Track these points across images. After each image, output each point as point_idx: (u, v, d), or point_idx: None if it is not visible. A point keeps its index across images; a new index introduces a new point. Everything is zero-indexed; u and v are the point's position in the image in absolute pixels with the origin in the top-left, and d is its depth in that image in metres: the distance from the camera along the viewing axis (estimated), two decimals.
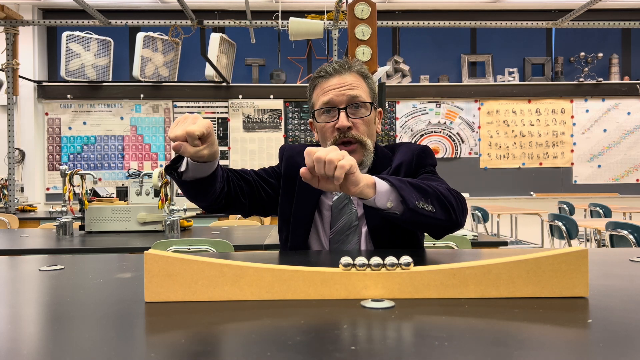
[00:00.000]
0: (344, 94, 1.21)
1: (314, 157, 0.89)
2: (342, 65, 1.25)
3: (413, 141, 5.95)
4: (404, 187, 1.00)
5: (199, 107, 5.89)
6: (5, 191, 4.61)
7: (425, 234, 1.38)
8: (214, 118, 5.90)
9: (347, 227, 1.23)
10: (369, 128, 1.24)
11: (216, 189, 1.14)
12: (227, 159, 5.91)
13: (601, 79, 5.93)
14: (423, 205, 1.01)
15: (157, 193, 2.48)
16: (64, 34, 5.53)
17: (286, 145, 1.37)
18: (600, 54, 6.00)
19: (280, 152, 1.37)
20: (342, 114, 1.20)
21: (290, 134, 5.93)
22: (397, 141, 5.91)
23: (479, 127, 5.97)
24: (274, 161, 5.83)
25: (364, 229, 1.23)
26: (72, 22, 4.69)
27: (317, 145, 1.35)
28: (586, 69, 5.98)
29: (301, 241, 1.24)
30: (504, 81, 5.96)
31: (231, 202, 1.20)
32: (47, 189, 5.89)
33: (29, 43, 5.69)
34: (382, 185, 1.00)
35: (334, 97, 1.21)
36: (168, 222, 2.29)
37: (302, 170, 0.92)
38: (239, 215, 3.07)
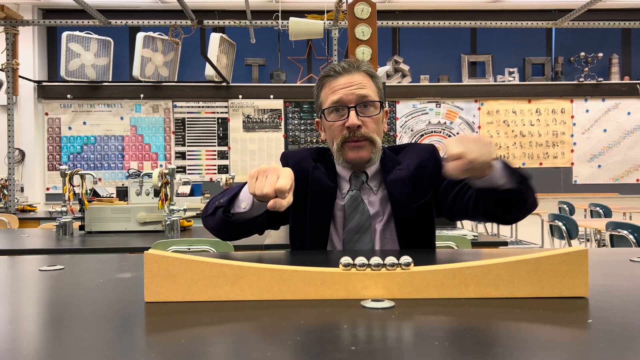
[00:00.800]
0: (353, 93, 1.22)
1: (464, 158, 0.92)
2: (351, 64, 1.27)
3: (413, 141, 5.94)
4: (511, 165, 1.05)
5: (199, 107, 5.89)
6: (5, 191, 4.60)
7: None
8: (214, 118, 5.90)
9: (359, 226, 1.24)
10: (378, 126, 1.26)
11: (260, 221, 1.15)
12: (227, 159, 5.91)
13: (601, 79, 5.93)
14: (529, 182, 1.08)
15: (157, 193, 2.47)
16: (64, 34, 5.53)
17: (288, 153, 1.36)
18: (600, 54, 6.00)
19: (283, 160, 1.33)
20: (352, 113, 1.21)
21: (290, 134, 5.93)
22: (397, 141, 5.91)
23: (479, 127, 5.97)
24: (273, 161, 5.83)
25: (377, 228, 1.24)
26: (72, 22, 4.69)
27: (321, 146, 1.36)
28: (586, 69, 5.97)
29: (321, 244, 1.25)
30: (504, 81, 5.96)
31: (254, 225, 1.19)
32: (47, 189, 5.89)
33: (29, 43, 5.69)
34: (497, 163, 1.03)
35: (343, 96, 1.22)
36: (168, 222, 2.29)
37: (454, 166, 0.93)
38: None
